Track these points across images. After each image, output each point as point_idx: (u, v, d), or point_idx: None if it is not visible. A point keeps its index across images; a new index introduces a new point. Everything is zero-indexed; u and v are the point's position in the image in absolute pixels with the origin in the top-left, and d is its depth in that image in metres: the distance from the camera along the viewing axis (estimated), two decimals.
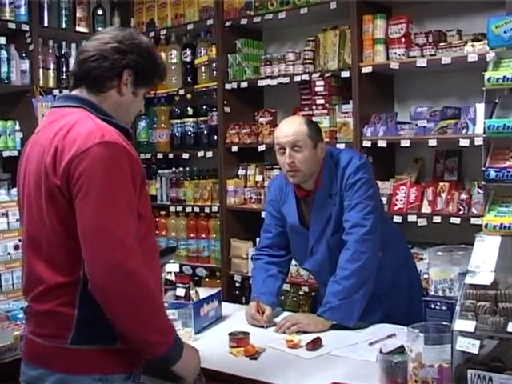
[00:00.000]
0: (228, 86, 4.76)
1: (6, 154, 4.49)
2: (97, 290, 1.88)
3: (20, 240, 3.42)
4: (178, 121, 5.12)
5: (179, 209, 5.11)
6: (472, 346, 1.96)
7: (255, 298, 3.04)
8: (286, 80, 4.43)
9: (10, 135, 4.53)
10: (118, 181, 1.89)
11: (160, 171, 5.29)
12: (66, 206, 1.91)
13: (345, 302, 2.82)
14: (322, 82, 4.25)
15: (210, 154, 4.89)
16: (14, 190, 3.65)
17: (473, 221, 3.55)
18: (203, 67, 4.95)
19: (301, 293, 4.39)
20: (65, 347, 1.94)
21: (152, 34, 5.21)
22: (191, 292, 2.97)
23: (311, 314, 3.12)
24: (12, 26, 4.57)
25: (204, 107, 5.02)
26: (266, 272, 3.15)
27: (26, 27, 4.64)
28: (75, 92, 2.10)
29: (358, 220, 2.90)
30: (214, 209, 4.88)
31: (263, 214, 3.43)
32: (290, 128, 2.96)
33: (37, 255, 2.01)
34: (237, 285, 4.75)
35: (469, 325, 1.98)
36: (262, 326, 2.94)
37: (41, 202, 1.97)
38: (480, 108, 3.45)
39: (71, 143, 1.90)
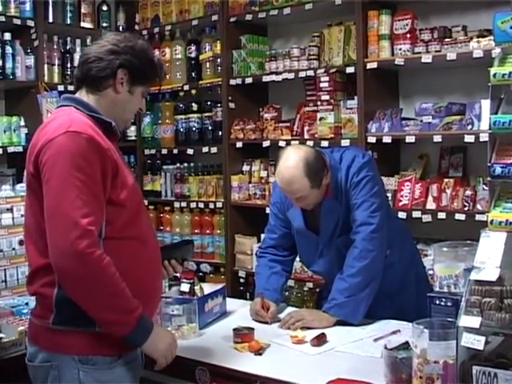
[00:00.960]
0: (233, 82, 4.76)
1: (10, 149, 4.50)
2: (55, 269, 2.01)
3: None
4: (183, 116, 5.12)
5: (183, 204, 5.11)
6: (477, 343, 1.96)
7: (260, 294, 3.04)
8: (291, 76, 4.43)
9: (14, 131, 4.54)
10: (79, 167, 2.00)
11: (164, 167, 5.30)
12: (40, 192, 2.06)
13: (350, 300, 2.83)
14: (327, 78, 4.24)
15: (214, 149, 4.89)
16: (19, 186, 3.66)
17: (478, 217, 3.53)
18: (208, 63, 4.95)
19: (305, 289, 4.39)
20: (48, 327, 2.10)
21: (157, 29, 5.22)
22: (196, 288, 2.98)
23: (316, 310, 3.12)
24: (17, 21, 4.57)
25: (209, 103, 5.02)
26: (271, 269, 3.16)
27: (31, 23, 4.64)
28: (77, 94, 2.26)
29: (365, 218, 2.89)
30: (219, 204, 4.88)
31: (268, 210, 3.43)
32: (291, 185, 2.87)
33: (29, 241, 2.19)
34: (241, 280, 4.75)
35: (474, 321, 1.98)
36: (267, 322, 2.94)
37: (27, 191, 2.19)
38: (485, 104, 3.44)
39: (43, 135, 2.08)
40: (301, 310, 3.20)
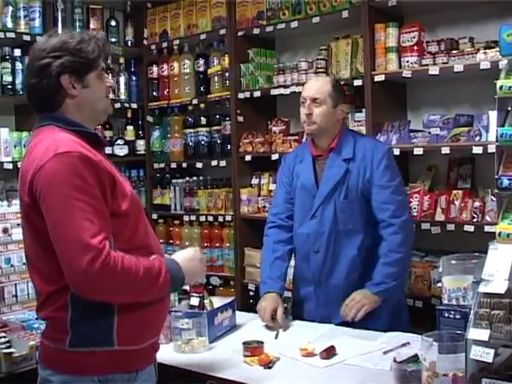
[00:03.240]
0: (241, 96, 4.78)
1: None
2: (79, 293, 1.98)
3: None
4: (192, 130, 5.14)
5: (193, 218, 5.12)
6: (486, 355, 1.96)
7: (266, 299, 3.10)
8: (299, 89, 4.42)
9: (24, 146, 4.56)
10: (76, 187, 1.94)
11: (174, 180, 5.30)
12: (39, 222, 2.00)
13: (396, 284, 3.07)
14: None
15: (223, 163, 4.90)
16: None
17: (487, 228, 3.53)
18: (216, 77, 4.97)
19: None
20: (65, 350, 2.05)
21: (165, 44, 5.25)
22: (205, 301, 2.98)
23: (363, 290, 3.09)
24: (27, 38, 4.60)
25: (217, 116, 5.04)
26: (274, 253, 3.26)
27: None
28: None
29: (401, 205, 3.15)
30: (228, 218, 4.89)
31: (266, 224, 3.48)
32: (315, 84, 3.27)
33: (32, 270, 2.14)
34: (251, 293, 4.74)
35: (483, 333, 1.98)
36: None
37: (24, 221, 2.13)
38: (493, 115, 3.43)
39: (31, 162, 2.01)
40: (355, 295, 3.07)
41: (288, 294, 3.48)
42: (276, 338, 2.94)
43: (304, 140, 3.56)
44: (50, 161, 1.96)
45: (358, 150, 3.18)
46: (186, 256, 2.25)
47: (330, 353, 2.62)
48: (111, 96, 2.29)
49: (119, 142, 5.25)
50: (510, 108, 2.30)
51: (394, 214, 3.10)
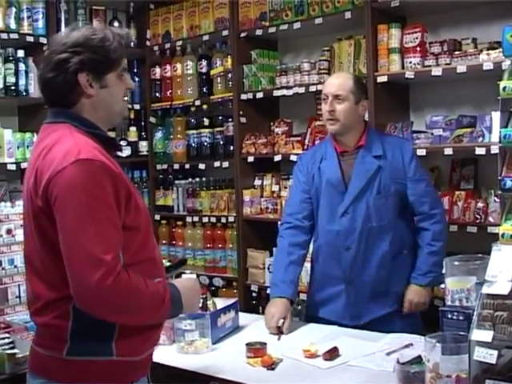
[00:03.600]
0: (244, 97, 4.78)
1: (24, 165, 4.53)
2: (82, 307, 1.90)
3: None
4: (194, 131, 5.14)
5: (196, 219, 5.12)
6: (490, 356, 1.96)
7: (276, 305, 3.06)
8: (302, 90, 4.44)
9: (28, 147, 4.57)
10: (95, 197, 1.87)
11: (176, 182, 5.31)
12: (50, 227, 1.92)
13: (440, 271, 3.04)
14: None
15: (226, 164, 4.90)
16: None
17: (490, 229, 3.53)
18: (219, 78, 4.97)
19: None
20: (62, 358, 1.98)
21: (168, 45, 5.26)
22: (208, 302, 2.98)
23: (415, 288, 3.20)
24: (30, 39, 4.62)
25: (220, 118, 5.04)
26: (289, 256, 3.20)
27: (43, 40, 4.68)
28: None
29: (436, 196, 3.33)
30: (231, 219, 4.89)
31: (279, 224, 3.45)
32: (337, 80, 3.25)
33: (33, 273, 2.05)
34: (254, 295, 4.75)
35: (486, 335, 1.98)
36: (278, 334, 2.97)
37: (30, 223, 2.02)
38: (496, 116, 3.44)
39: (49, 164, 1.91)
40: (410, 298, 3.20)
41: (303, 296, 3.46)
42: (279, 339, 2.94)
43: (325, 138, 3.50)
44: (70, 166, 1.86)
45: (387, 147, 3.21)
46: (186, 285, 2.18)
47: (333, 354, 2.62)
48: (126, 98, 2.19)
49: (122, 142, 5.24)
50: None
51: (432, 205, 3.21)
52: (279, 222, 3.41)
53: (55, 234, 1.90)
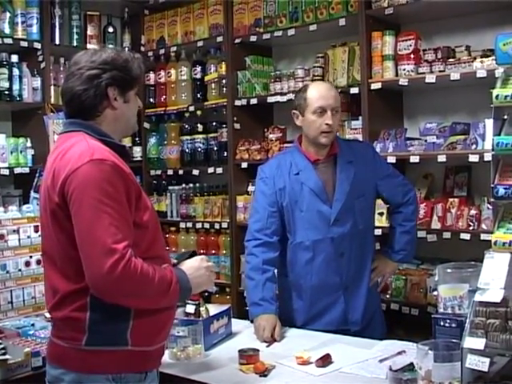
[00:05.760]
0: (238, 103, 4.78)
1: (17, 170, 4.53)
2: (98, 295, 2.05)
3: (31, 257, 3.47)
4: (188, 137, 5.14)
5: (189, 225, 5.12)
6: (482, 364, 1.96)
7: (263, 318, 3.04)
8: None
9: (21, 152, 4.57)
10: (107, 194, 2.02)
11: (170, 187, 5.31)
12: (66, 222, 2.08)
13: (413, 248, 3.38)
14: None
15: (219, 170, 4.91)
16: (26, 207, 3.67)
17: (483, 236, 3.53)
18: (213, 84, 4.98)
19: None
20: (80, 348, 2.10)
21: (162, 51, 5.26)
22: (201, 309, 2.97)
23: (385, 259, 3.38)
24: (24, 44, 4.62)
25: (214, 124, 5.05)
26: (264, 274, 3.14)
27: (37, 45, 4.69)
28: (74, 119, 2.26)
29: (405, 182, 3.40)
30: (224, 225, 4.89)
31: (246, 240, 3.30)
32: (330, 93, 3.17)
33: (52, 268, 2.19)
34: (247, 301, 4.73)
35: (479, 342, 1.98)
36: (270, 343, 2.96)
37: (48, 220, 2.17)
38: (489, 123, 3.45)
39: (65, 164, 2.08)
40: (379, 265, 3.35)
41: None
42: (268, 346, 2.93)
43: (287, 148, 3.56)
44: (85, 165, 2.04)
45: (355, 152, 3.24)
46: (192, 265, 2.29)
47: (325, 361, 2.62)
48: None
49: None
50: (506, 117, 2.30)
51: (404, 193, 3.32)
52: (245, 238, 3.29)
53: (71, 227, 2.05)
